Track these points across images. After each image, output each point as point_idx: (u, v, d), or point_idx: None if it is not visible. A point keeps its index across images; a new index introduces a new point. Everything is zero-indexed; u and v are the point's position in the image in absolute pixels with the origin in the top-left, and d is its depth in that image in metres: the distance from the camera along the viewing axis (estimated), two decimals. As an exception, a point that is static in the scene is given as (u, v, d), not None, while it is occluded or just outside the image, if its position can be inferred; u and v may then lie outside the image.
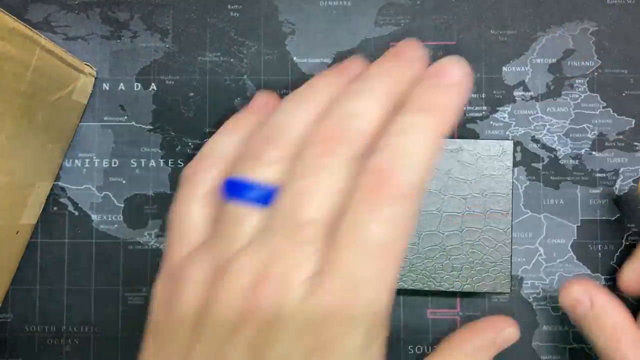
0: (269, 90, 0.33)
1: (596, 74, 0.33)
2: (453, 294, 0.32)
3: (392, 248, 0.17)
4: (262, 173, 0.19)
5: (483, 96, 0.33)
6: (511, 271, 0.29)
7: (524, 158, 0.32)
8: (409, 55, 0.20)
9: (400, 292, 0.27)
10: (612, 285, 0.32)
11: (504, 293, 0.29)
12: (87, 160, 0.33)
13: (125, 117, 0.33)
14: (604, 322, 0.25)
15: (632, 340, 0.25)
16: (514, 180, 0.32)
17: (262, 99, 0.24)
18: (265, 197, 0.19)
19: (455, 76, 0.19)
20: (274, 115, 0.21)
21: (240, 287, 0.17)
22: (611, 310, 0.26)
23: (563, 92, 0.33)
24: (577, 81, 0.33)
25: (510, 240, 0.29)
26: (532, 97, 0.33)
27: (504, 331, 0.27)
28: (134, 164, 0.33)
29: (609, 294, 0.26)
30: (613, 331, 0.25)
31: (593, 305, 0.26)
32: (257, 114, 0.23)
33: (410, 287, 0.28)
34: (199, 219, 0.21)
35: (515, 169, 0.32)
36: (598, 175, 0.32)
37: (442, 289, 0.29)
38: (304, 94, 0.21)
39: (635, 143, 0.32)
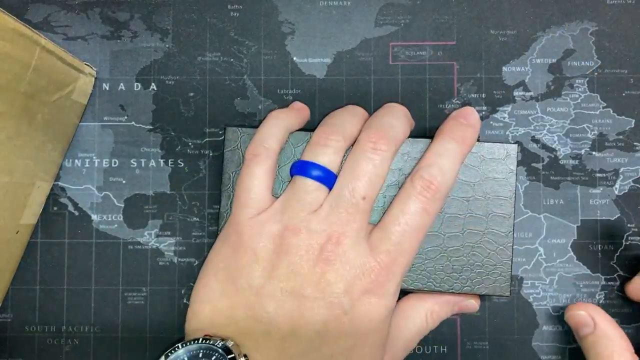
0: (269, 89, 0.33)
1: (596, 74, 0.33)
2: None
3: (421, 233, 0.26)
4: (326, 158, 0.26)
5: (483, 96, 0.33)
6: (511, 274, 0.29)
7: (524, 158, 0.32)
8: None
9: (400, 292, 0.27)
10: (612, 285, 0.32)
11: (503, 296, 0.29)
12: (87, 160, 0.33)
13: (125, 117, 0.33)
14: (604, 345, 0.28)
15: None
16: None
17: (299, 104, 0.31)
18: (328, 178, 0.26)
19: (474, 119, 0.28)
20: (332, 118, 0.28)
21: (315, 242, 0.25)
22: (612, 335, 0.28)
23: (563, 92, 0.33)
24: (577, 81, 0.33)
25: (511, 244, 0.29)
26: (532, 97, 0.33)
27: (468, 300, 0.30)
28: (134, 164, 0.33)
29: (611, 320, 0.29)
30: (610, 355, 0.28)
31: (596, 328, 0.29)
32: (296, 112, 0.30)
33: (410, 287, 0.28)
34: (262, 190, 0.27)
35: (516, 168, 0.32)
36: (598, 175, 0.32)
37: (442, 290, 0.29)
38: (353, 109, 0.29)
39: (635, 143, 0.32)
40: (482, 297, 0.32)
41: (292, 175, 0.28)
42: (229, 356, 0.23)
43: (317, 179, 0.26)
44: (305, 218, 0.26)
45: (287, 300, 0.25)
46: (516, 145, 0.29)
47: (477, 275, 0.29)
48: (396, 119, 0.28)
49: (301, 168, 0.27)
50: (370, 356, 0.26)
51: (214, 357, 0.23)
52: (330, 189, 0.26)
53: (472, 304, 0.30)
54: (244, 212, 0.27)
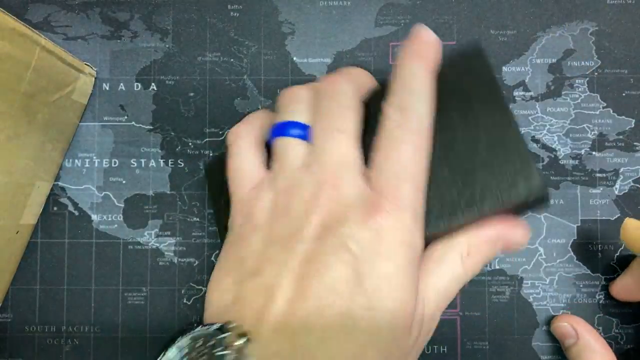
0: (269, 89, 0.33)
1: (596, 74, 0.33)
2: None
3: (421, 155, 0.23)
4: (298, 116, 0.25)
5: (483, 96, 0.33)
6: (538, 171, 0.22)
7: (524, 158, 0.32)
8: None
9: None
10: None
11: (543, 202, 0.22)
12: (87, 160, 0.33)
13: (125, 117, 0.33)
14: (587, 357, 0.29)
15: None
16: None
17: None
18: (304, 132, 0.25)
19: (430, 37, 0.25)
20: (286, 90, 0.27)
21: (308, 193, 0.23)
22: (594, 346, 0.29)
23: (563, 92, 0.33)
24: (577, 81, 0.33)
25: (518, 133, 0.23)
26: (532, 97, 0.33)
27: (514, 230, 0.24)
28: (134, 164, 0.33)
29: (592, 331, 0.30)
30: None
31: (578, 339, 0.30)
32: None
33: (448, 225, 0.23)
34: (251, 164, 0.26)
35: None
36: (598, 175, 0.32)
37: (465, 221, 0.23)
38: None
39: (635, 143, 0.32)
40: (482, 295, 0.32)
41: (270, 144, 0.26)
42: (222, 335, 0.21)
43: (295, 135, 0.25)
44: (295, 176, 0.24)
45: (288, 258, 0.22)
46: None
47: (497, 184, 0.23)
48: (350, 68, 0.27)
49: (276, 130, 0.26)
50: (398, 306, 0.21)
51: (210, 343, 0.21)
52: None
53: (521, 235, 0.24)
54: (240, 191, 0.26)
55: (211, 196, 0.29)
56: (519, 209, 0.24)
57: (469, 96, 0.24)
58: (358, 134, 0.24)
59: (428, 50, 0.25)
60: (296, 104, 0.26)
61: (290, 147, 0.25)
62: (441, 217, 0.23)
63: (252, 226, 0.24)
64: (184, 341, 0.21)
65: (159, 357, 0.21)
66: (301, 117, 0.25)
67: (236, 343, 0.20)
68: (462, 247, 0.24)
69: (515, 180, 0.22)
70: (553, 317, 0.32)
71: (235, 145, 0.27)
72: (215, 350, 0.20)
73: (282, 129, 0.25)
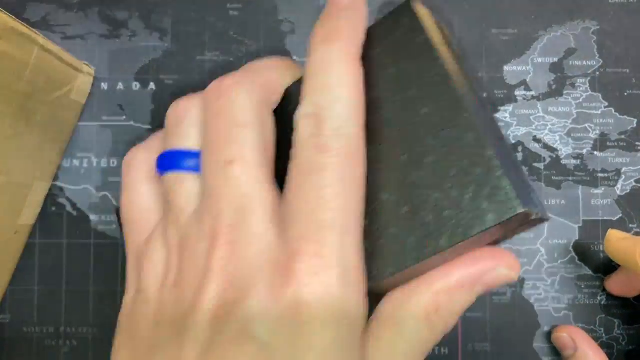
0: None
1: (598, 73, 0.32)
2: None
3: (352, 184, 0.17)
4: (190, 140, 0.19)
5: (484, 95, 0.32)
6: (511, 186, 0.16)
7: (526, 158, 0.32)
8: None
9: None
10: (614, 286, 0.32)
11: (512, 216, 0.15)
12: (85, 160, 0.33)
13: (124, 117, 0.33)
14: None
15: None
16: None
17: None
18: (194, 160, 0.19)
19: (344, 2, 0.19)
20: (177, 102, 0.21)
21: (200, 254, 0.17)
22: (591, 358, 0.29)
23: (565, 92, 0.32)
24: (578, 80, 0.32)
25: (485, 140, 0.17)
26: (533, 97, 0.32)
27: (496, 270, 0.17)
28: (132, 164, 0.33)
29: (591, 343, 0.30)
30: None
31: (577, 350, 0.30)
32: None
33: (385, 278, 0.17)
34: (149, 200, 0.20)
35: (517, 169, 0.32)
36: (600, 175, 0.32)
37: (428, 255, 0.16)
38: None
39: (637, 143, 0.32)
40: (482, 295, 0.32)
41: (160, 174, 0.20)
42: None
43: (189, 169, 0.19)
44: (186, 228, 0.18)
45: (180, 352, 0.17)
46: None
47: (461, 208, 0.16)
48: (258, 61, 0.20)
49: (163, 163, 0.19)
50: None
51: None
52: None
53: (505, 274, 0.17)
54: (132, 240, 0.21)
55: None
56: (499, 238, 0.18)
57: (405, 78, 0.18)
58: (262, 159, 0.18)
59: (346, 23, 0.18)
60: (187, 124, 0.19)
61: (180, 186, 0.19)
62: (390, 262, 0.17)
63: (142, 298, 0.19)
64: None
65: None
66: (194, 142, 0.19)
67: None
68: (426, 302, 0.17)
69: (478, 202, 0.16)
70: (554, 327, 0.31)
71: (128, 177, 0.21)
72: None
73: (169, 160, 0.19)
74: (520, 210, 0.15)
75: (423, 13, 0.19)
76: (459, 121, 0.16)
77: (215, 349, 0.16)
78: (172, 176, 0.19)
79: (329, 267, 0.16)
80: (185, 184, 0.19)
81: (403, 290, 0.18)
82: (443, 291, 0.17)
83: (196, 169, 0.19)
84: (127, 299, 0.20)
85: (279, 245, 0.16)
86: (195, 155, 0.19)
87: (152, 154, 0.21)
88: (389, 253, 0.17)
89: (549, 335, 0.32)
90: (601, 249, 0.32)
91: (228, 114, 0.18)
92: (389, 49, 0.18)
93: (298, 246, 0.16)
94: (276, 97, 0.19)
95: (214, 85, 0.19)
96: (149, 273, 0.19)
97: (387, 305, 0.18)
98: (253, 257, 0.16)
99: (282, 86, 0.20)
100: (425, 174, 0.17)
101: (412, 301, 0.17)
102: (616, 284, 0.31)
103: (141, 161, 0.21)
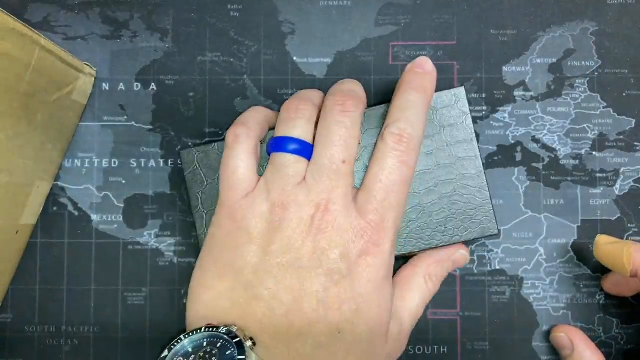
0: (269, 90, 0.33)
1: (596, 74, 0.33)
2: (453, 283, 0.32)
3: (405, 186, 0.27)
4: (299, 130, 0.27)
5: (483, 96, 0.33)
6: (494, 213, 0.29)
7: (525, 158, 0.32)
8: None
9: (395, 261, 0.28)
10: (613, 285, 0.32)
11: (493, 235, 0.29)
12: (86, 160, 0.33)
13: (125, 117, 0.33)
14: None
15: None
16: (514, 180, 0.32)
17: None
18: (304, 149, 0.26)
19: (429, 67, 0.28)
20: (297, 94, 0.29)
21: (304, 214, 0.25)
22: (588, 358, 0.30)
23: (563, 92, 0.33)
24: (577, 81, 0.33)
25: (485, 182, 0.29)
26: (532, 97, 0.33)
27: (457, 251, 0.30)
28: (133, 164, 0.33)
29: (588, 343, 0.30)
30: None
31: (574, 351, 0.30)
32: (276, 113, 0.30)
33: (403, 253, 0.29)
34: (247, 170, 0.27)
35: (516, 169, 0.32)
36: (598, 175, 0.32)
37: (433, 245, 0.29)
38: (310, 89, 0.30)
39: (635, 143, 0.32)
40: (482, 295, 0.32)
41: (269, 154, 0.28)
42: (235, 340, 0.23)
43: (295, 152, 0.26)
44: (292, 192, 0.26)
45: (286, 274, 0.25)
46: (462, 87, 0.29)
47: (462, 222, 0.29)
48: (354, 84, 0.29)
49: (277, 144, 0.27)
50: (376, 320, 0.25)
51: (220, 344, 0.23)
52: (309, 159, 0.27)
53: (462, 255, 0.30)
54: (232, 194, 0.27)
55: (189, 186, 0.30)
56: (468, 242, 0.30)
57: (448, 142, 0.29)
58: (355, 160, 0.27)
59: (426, 81, 0.28)
60: (300, 119, 0.27)
61: (289, 163, 0.26)
62: (405, 245, 0.29)
63: (246, 235, 0.26)
64: (189, 340, 0.24)
65: (163, 356, 0.22)
66: (303, 134, 0.27)
67: (247, 344, 0.23)
68: (424, 272, 0.29)
69: (480, 225, 0.29)
70: (553, 327, 0.32)
71: (233, 149, 0.27)
72: (226, 351, 0.23)
73: (282, 144, 0.27)
74: (495, 232, 0.29)
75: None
76: (477, 173, 0.29)
77: (312, 276, 0.25)
78: (283, 156, 0.26)
79: (386, 240, 0.26)
80: (294, 163, 0.26)
81: (410, 266, 0.30)
82: (432, 266, 0.30)
83: (302, 153, 0.26)
84: (221, 235, 0.27)
85: (359, 219, 0.26)
86: (304, 144, 0.26)
87: (254, 135, 0.28)
88: (404, 241, 0.29)
89: (547, 334, 0.32)
90: (600, 248, 0.32)
91: (347, 125, 0.26)
92: (440, 111, 0.29)
93: (371, 222, 0.26)
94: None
95: (337, 96, 0.27)
96: (254, 218, 0.26)
97: (402, 275, 0.30)
98: (343, 224, 0.25)
99: (365, 106, 0.29)
100: (442, 203, 0.29)
101: (417, 273, 0.30)
102: (612, 284, 0.31)
103: (247, 137, 0.27)
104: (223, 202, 0.27)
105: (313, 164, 0.26)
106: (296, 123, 0.27)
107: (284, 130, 0.27)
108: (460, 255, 0.30)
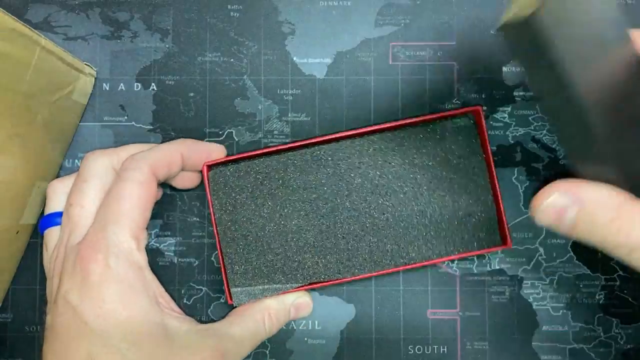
0: (269, 90, 0.33)
1: (596, 74, 0.33)
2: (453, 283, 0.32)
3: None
4: (54, 206, 0.30)
5: (483, 96, 0.33)
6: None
7: (524, 158, 0.32)
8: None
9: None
10: (612, 285, 0.32)
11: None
12: (87, 160, 0.33)
13: (125, 117, 0.33)
14: (602, 216, 0.20)
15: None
16: (514, 180, 0.32)
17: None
18: (57, 219, 0.29)
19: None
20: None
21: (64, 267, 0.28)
22: (607, 198, 0.20)
23: (563, 92, 0.33)
24: (577, 81, 0.33)
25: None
26: (532, 97, 0.33)
27: (302, 298, 0.31)
28: (134, 164, 0.33)
29: (593, 183, 0.21)
30: (619, 220, 0.19)
31: (583, 204, 0.20)
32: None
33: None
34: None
35: (516, 169, 0.32)
36: (598, 175, 0.32)
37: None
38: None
39: (635, 143, 0.32)
40: (481, 295, 0.32)
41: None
42: None
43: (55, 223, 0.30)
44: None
45: None
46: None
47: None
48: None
49: (42, 222, 0.30)
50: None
51: None
52: None
53: (306, 302, 0.31)
54: None
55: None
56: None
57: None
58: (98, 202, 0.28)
59: None
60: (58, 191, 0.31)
61: (50, 236, 0.30)
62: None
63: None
64: None
65: None
66: (57, 204, 0.31)
67: None
68: (265, 308, 0.29)
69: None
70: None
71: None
72: None
73: (43, 221, 0.30)
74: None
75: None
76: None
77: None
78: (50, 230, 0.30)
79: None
80: (53, 233, 0.30)
81: (257, 302, 0.30)
82: (275, 301, 0.30)
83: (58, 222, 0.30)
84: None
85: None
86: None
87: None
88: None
89: (547, 334, 0.32)
90: (599, 248, 0.32)
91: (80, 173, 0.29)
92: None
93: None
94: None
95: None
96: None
97: (243, 305, 0.30)
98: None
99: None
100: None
101: (257, 305, 0.30)
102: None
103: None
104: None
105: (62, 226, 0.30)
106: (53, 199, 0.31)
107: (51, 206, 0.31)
108: (303, 302, 0.30)
